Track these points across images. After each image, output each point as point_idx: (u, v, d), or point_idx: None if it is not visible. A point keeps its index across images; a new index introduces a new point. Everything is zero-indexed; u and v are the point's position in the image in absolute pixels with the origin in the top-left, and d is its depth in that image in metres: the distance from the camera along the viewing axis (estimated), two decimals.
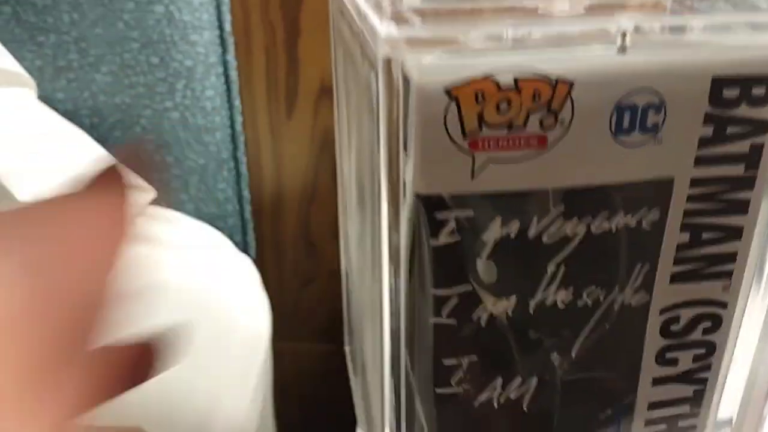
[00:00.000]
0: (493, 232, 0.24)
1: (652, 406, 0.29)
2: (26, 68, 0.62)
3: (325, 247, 0.72)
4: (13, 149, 0.58)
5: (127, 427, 0.32)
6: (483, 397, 0.27)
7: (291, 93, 0.65)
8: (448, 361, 0.26)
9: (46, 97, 0.65)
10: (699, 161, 0.24)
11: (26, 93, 0.61)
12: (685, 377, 0.29)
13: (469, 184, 0.23)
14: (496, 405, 0.28)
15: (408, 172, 0.23)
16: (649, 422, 0.29)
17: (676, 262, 0.26)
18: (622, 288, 0.26)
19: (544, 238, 0.25)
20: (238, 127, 0.66)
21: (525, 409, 0.28)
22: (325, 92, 0.65)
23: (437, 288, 0.25)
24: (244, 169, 0.69)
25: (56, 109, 0.65)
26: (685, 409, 0.29)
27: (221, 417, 0.47)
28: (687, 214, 0.25)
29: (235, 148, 0.67)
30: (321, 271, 0.74)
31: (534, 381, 0.27)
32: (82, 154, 0.61)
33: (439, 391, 0.27)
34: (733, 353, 0.30)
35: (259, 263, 0.72)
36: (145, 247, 0.55)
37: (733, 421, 0.32)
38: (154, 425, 0.35)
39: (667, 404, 0.29)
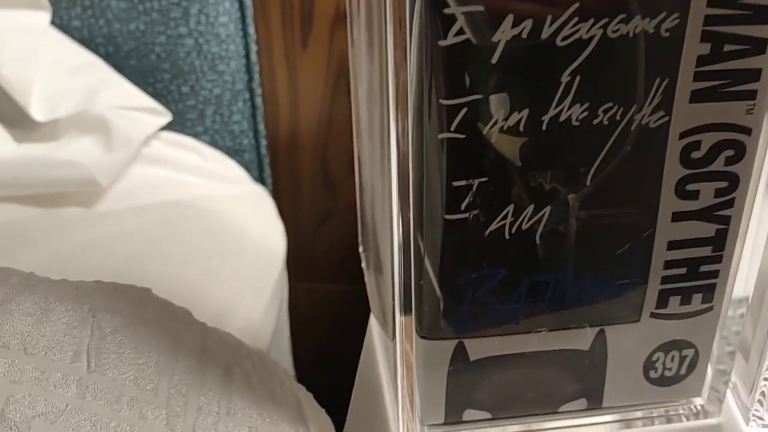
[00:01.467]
0: (505, 32, 0.23)
1: (672, 245, 0.28)
2: None
3: (342, 180, 0.71)
4: (30, 71, 0.58)
5: (135, 286, 0.32)
6: (494, 225, 0.26)
7: (306, 19, 0.65)
8: (458, 183, 0.25)
9: (62, 26, 0.65)
10: None
11: (42, 16, 0.61)
12: (706, 213, 0.27)
13: None
14: (507, 235, 0.27)
15: None
16: (668, 264, 0.28)
17: (697, 77, 0.25)
18: (640, 106, 0.25)
19: (558, 41, 0.24)
20: (253, 56, 0.66)
21: (537, 240, 0.27)
22: (341, 18, 0.64)
23: (446, 98, 0.24)
24: (259, 101, 0.68)
25: (72, 37, 0.65)
26: (707, 251, 0.28)
27: (237, 318, 0.47)
28: (708, 20, 0.24)
29: (250, 79, 0.67)
30: (338, 206, 0.73)
31: (548, 210, 0.26)
32: (96, 79, 0.61)
33: (448, 217, 0.26)
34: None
35: (276, 200, 0.72)
36: (163, 169, 0.55)
37: (750, 300, 0.31)
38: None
39: (688, 244, 0.28)
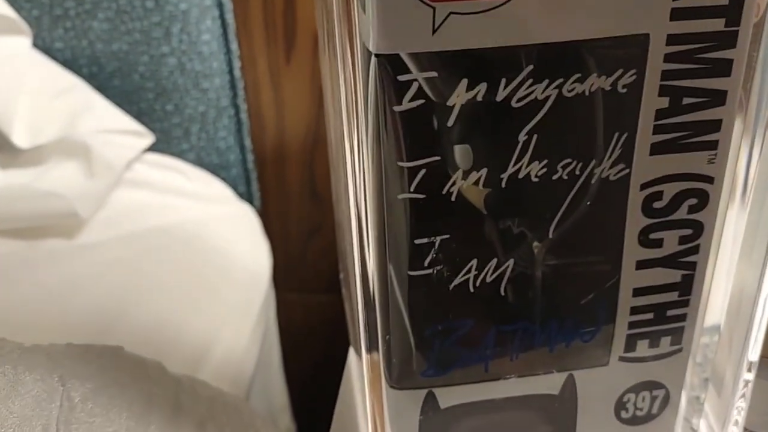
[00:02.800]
0: (460, 96, 0.23)
1: (638, 291, 0.28)
2: (23, 18, 0.62)
3: (330, 193, 0.71)
4: (12, 97, 0.58)
5: (107, 346, 0.32)
6: (458, 279, 0.26)
7: (289, 35, 0.65)
8: (420, 241, 0.26)
9: (45, 48, 0.65)
10: (675, 14, 0.23)
11: (23, 42, 0.61)
12: (671, 260, 0.28)
13: (430, 41, 0.22)
14: (471, 288, 0.27)
15: (366, 32, 0.23)
16: (635, 309, 0.28)
17: (656, 130, 0.25)
18: (599, 161, 0.25)
19: (514, 102, 0.24)
20: (237, 72, 0.66)
21: (502, 292, 0.27)
22: None
23: (404, 160, 0.24)
24: (245, 116, 0.68)
25: (55, 59, 0.65)
26: (673, 296, 0.28)
27: (219, 348, 0.47)
28: (665, 75, 0.24)
29: (234, 95, 0.67)
30: (326, 220, 0.73)
31: (511, 263, 0.27)
32: (79, 103, 0.61)
33: (412, 273, 0.26)
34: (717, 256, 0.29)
35: (264, 214, 0.72)
36: (146, 193, 0.55)
37: (721, 328, 0.31)
38: (157, 347, 0.35)
39: (653, 290, 0.28)
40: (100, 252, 0.51)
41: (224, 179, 0.68)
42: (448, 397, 0.29)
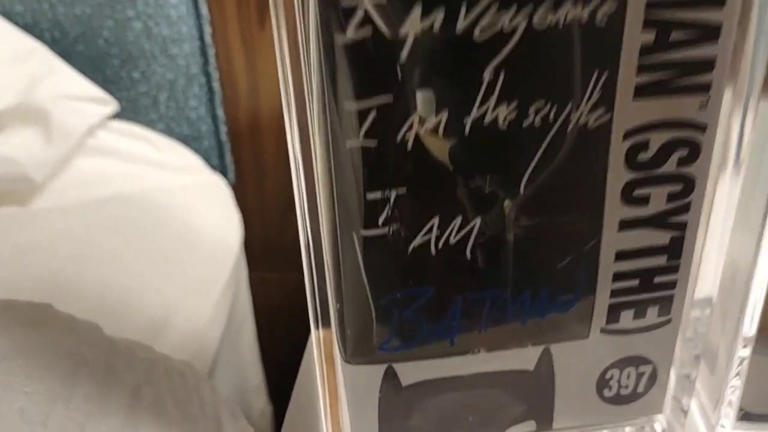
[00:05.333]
0: (413, 24, 0.20)
1: (621, 255, 0.25)
2: None
3: None
4: None
5: (34, 303, 0.29)
6: (417, 240, 0.23)
7: None
8: (372, 195, 0.23)
9: (4, 12, 0.61)
10: None
11: None
12: (659, 220, 0.24)
13: None
14: (433, 251, 0.24)
15: None
16: (618, 276, 0.25)
17: (641, 70, 0.22)
18: (576, 104, 0.22)
19: (476, 35, 0.21)
20: (207, 38, 0.62)
21: (469, 256, 0.24)
22: None
23: (351, 100, 0.21)
24: (216, 85, 0.65)
25: (16, 23, 0.61)
26: (661, 260, 0.25)
27: (179, 321, 0.44)
28: (650, 4, 0.21)
29: (205, 62, 0.63)
30: None
31: (478, 222, 0.24)
32: (39, 68, 0.58)
33: (365, 233, 0.23)
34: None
35: (239, 189, 0.69)
36: (111, 161, 0.52)
37: (713, 301, 0.28)
38: (114, 316, 0.32)
39: (638, 254, 0.25)
40: (56, 218, 0.48)
41: (196, 151, 0.65)
42: (411, 373, 0.26)
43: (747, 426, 0.30)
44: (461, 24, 0.20)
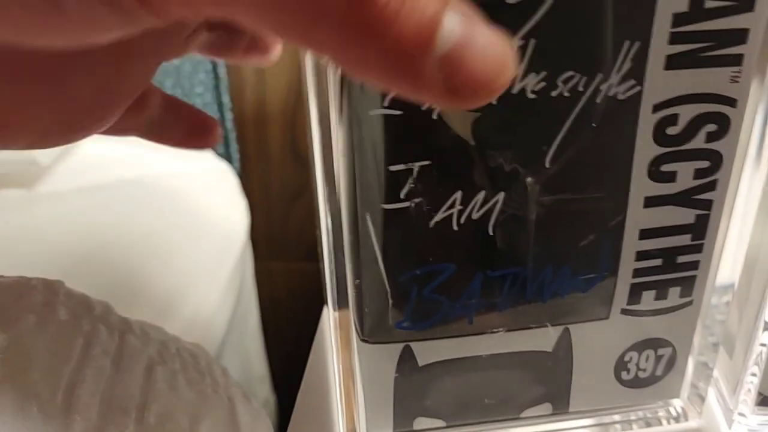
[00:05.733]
0: None
1: (645, 233, 0.24)
2: None
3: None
4: None
5: (44, 279, 0.29)
6: (439, 215, 0.23)
7: None
8: (395, 167, 0.22)
9: None
10: None
11: None
12: (684, 197, 0.24)
13: None
14: (455, 226, 0.23)
15: None
16: (641, 254, 0.25)
17: (673, 40, 0.21)
18: (606, 75, 0.22)
19: None
20: None
21: (491, 231, 0.23)
22: None
23: None
24: (223, 72, 0.64)
25: None
26: (685, 240, 0.25)
27: (186, 306, 0.43)
28: None
29: None
30: (309, 184, 0.69)
31: (501, 197, 0.23)
32: None
33: (386, 206, 0.23)
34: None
35: (244, 178, 0.68)
36: (117, 146, 0.51)
37: (735, 287, 0.28)
38: (121, 300, 0.31)
39: (663, 232, 0.24)
40: (61, 201, 0.47)
41: None
42: (428, 353, 0.26)
43: (765, 411, 0.30)
44: None
